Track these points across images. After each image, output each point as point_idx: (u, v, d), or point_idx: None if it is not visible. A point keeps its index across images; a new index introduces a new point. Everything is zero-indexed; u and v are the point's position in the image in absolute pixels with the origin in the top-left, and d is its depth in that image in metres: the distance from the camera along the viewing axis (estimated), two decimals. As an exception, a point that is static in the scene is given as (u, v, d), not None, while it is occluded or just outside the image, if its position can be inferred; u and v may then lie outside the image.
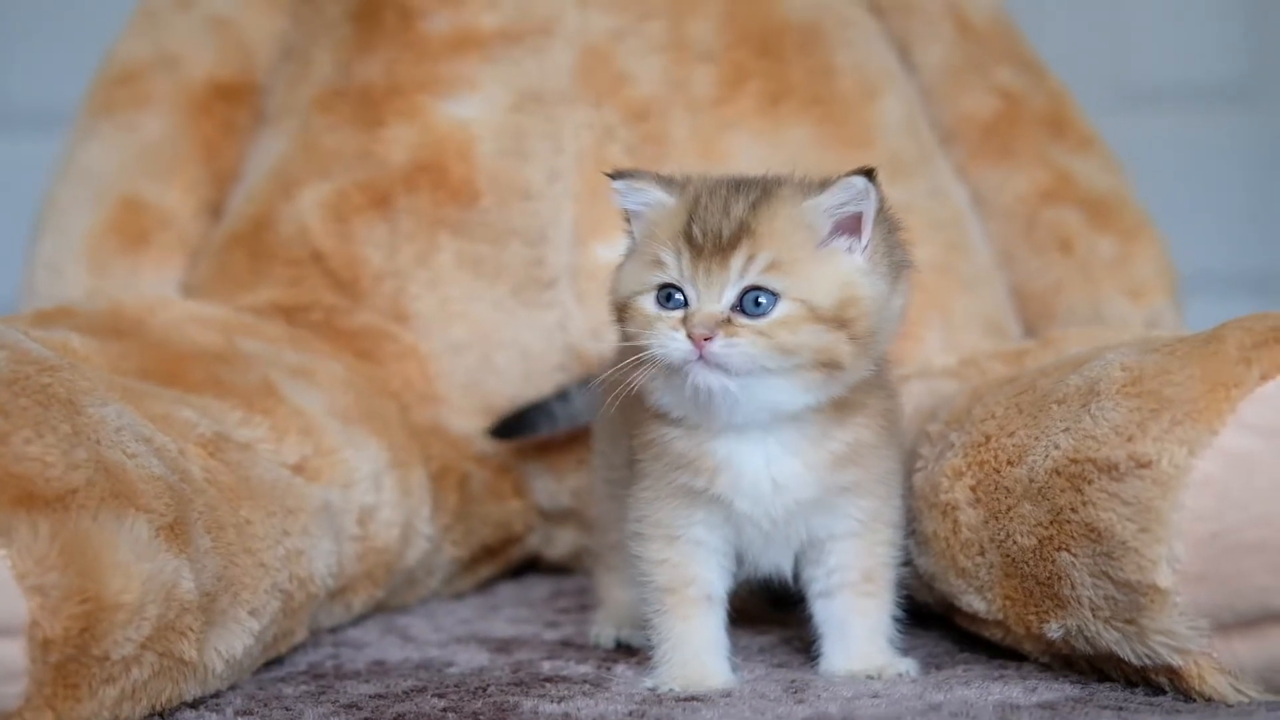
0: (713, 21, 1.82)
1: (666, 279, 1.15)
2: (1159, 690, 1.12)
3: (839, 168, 1.74)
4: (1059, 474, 1.14)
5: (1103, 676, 1.17)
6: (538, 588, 1.72)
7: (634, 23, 1.81)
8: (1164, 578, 1.05)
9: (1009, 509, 1.20)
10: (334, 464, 1.41)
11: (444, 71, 1.79)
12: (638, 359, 1.13)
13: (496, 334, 1.73)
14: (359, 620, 1.50)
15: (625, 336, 1.18)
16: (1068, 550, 1.13)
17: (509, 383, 1.72)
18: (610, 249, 1.71)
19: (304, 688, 1.22)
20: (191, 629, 1.09)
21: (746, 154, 1.76)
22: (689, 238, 1.14)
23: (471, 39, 1.80)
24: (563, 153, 1.75)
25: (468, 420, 1.72)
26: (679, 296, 1.14)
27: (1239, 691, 1.07)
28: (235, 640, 1.17)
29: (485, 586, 1.75)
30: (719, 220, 1.15)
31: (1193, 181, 2.86)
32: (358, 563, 1.43)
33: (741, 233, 1.14)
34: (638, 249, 1.19)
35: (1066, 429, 1.15)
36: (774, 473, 1.18)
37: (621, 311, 1.17)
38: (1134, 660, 1.10)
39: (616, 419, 1.31)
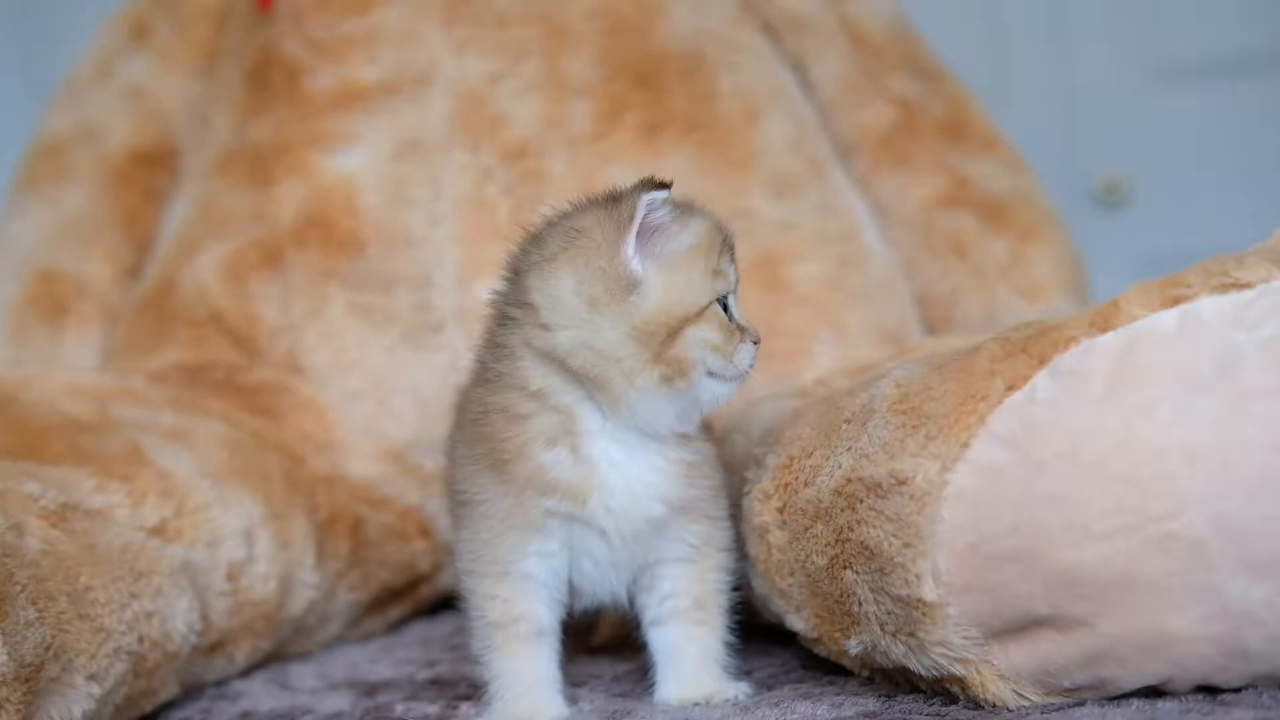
0: (589, 57, 1.86)
1: (729, 289, 1.20)
2: (955, 700, 1.13)
3: (718, 192, 1.80)
4: (839, 493, 1.16)
5: (914, 688, 1.19)
6: (446, 624, 1.76)
7: (509, 65, 1.85)
8: (929, 591, 1.07)
9: (806, 529, 1.22)
10: (198, 523, 1.45)
11: (328, 127, 1.84)
12: (674, 377, 1.16)
13: (391, 379, 1.77)
14: (250, 671, 1.54)
15: (667, 360, 1.16)
16: (851, 568, 1.15)
17: (406, 426, 1.77)
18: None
19: (151, 744, 1.27)
20: (10, 700, 1.12)
21: (626, 184, 1.78)
22: (730, 250, 1.21)
23: (354, 93, 1.85)
24: (442, 197, 1.79)
25: (368, 465, 1.77)
26: (728, 309, 1.20)
27: (1020, 696, 1.09)
28: (73, 705, 1.21)
29: (398, 625, 1.79)
30: (731, 236, 1.23)
31: (1230, 155, 2.87)
32: (231, 617, 1.47)
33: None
34: (678, 266, 1.18)
35: (849, 448, 1.17)
36: (636, 486, 1.21)
37: (672, 333, 1.16)
38: (922, 672, 1.12)
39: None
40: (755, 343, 1.20)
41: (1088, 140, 3.00)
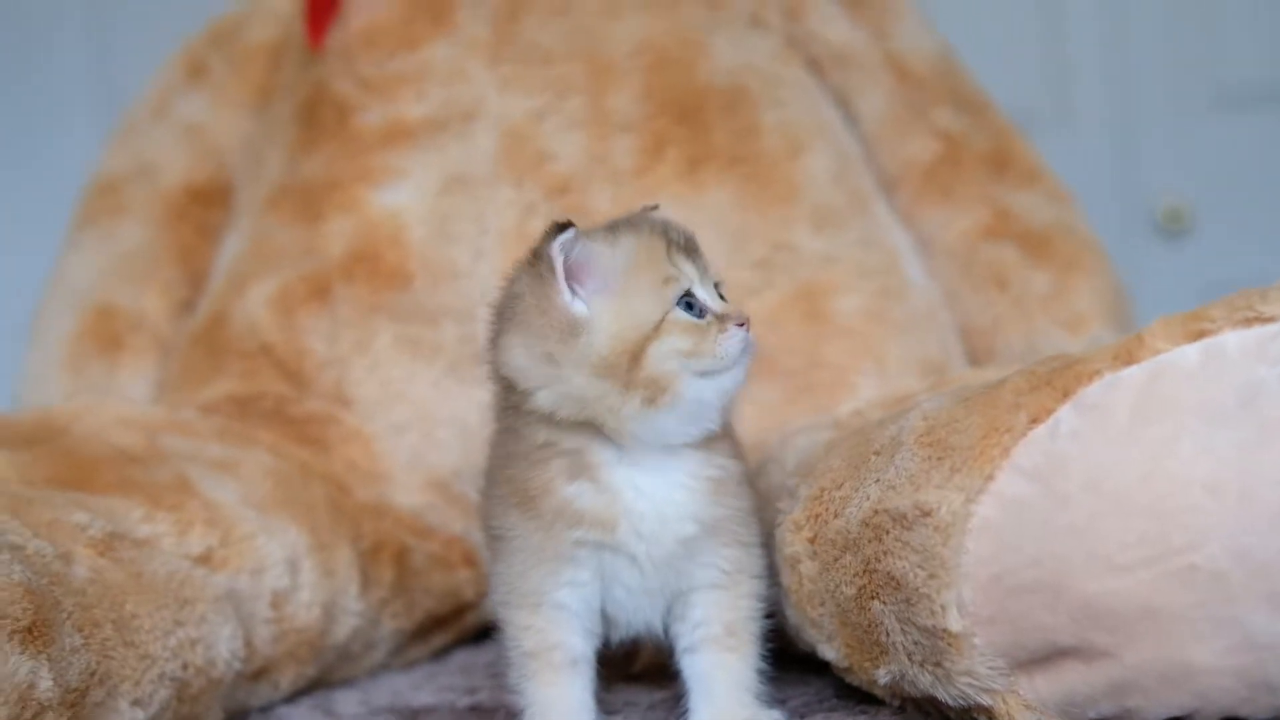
0: (632, 93, 1.88)
1: (686, 286, 1.19)
2: (983, 729, 1.14)
3: (760, 225, 1.82)
4: (867, 525, 1.17)
5: (944, 718, 1.20)
6: (489, 652, 1.77)
7: (554, 101, 1.87)
8: (954, 622, 1.08)
9: (835, 560, 1.23)
10: (243, 552, 1.48)
11: (377, 162, 1.87)
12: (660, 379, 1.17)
13: (436, 411, 1.80)
14: (295, 697, 1.57)
15: (640, 383, 1.16)
16: (878, 599, 1.16)
17: (450, 457, 1.79)
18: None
19: (193, 769, 1.29)
20: (55, 725, 1.15)
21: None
22: (680, 247, 1.21)
23: (402, 130, 1.88)
24: (487, 232, 1.82)
25: (413, 495, 1.79)
26: (695, 304, 1.19)
27: (1045, 726, 1.09)
28: (117, 730, 1.24)
29: (442, 653, 1.81)
30: (680, 231, 1.23)
31: None
32: (275, 644, 1.49)
33: (695, 241, 1.23)
34: (620, 291, 1.18)
35: (877, 480, 1.19)
36: (663, 507, 1.22)
37: (636, 356, 1.16)
38: (950, 701, 1.13)
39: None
40: (741, 325, 1.19)
41: (1148, 168, 3.00)
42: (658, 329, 1.17)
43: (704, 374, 1.18)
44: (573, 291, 1.17)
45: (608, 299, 1.17)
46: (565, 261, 1.17)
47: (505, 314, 1.22)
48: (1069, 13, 3.03)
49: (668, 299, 1.18)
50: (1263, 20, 2.95)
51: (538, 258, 1.19)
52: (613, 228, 1.23)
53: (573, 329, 1.16)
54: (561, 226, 1.17)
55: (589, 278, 1.18)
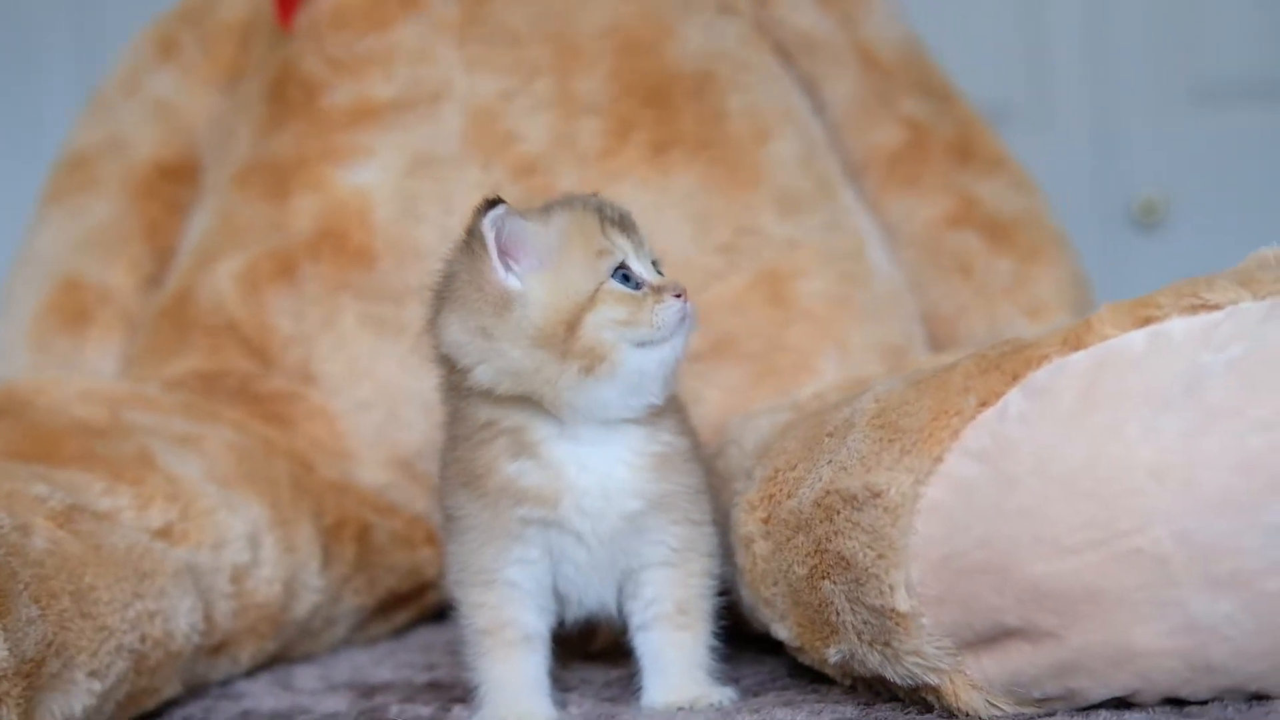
0: (600, 76, 1.89)
1: (621, 258, 1.21)
2: (931, 708, 1.15)
3: (726, 209, 1.83)
4: (818, 505, 1.19)
5: (893, 697, 1.21)
6: (450, 630, 1.76)
7: (521, 83, 1.88)
8: (902, 602, 1.09)
9: (788, 540, 1.24)
10: (203, 526, 1.48)
11: (344, 142, 1.88)
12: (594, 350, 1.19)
13: (401, 389, 1.80)
14: (255, 672, 1.57)
15: (577, 352, 1.18)
16: (829, 579, 1.18)
17: (414, 434, 1.80)
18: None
19: (151, 741, 1.30)
20: (10, 695, 1.15)
21: (634, 202, 1.78)
22: (614, 223, 1.23)
23: (369, 109, 1.89)
24: (453, 213, 1.82)
25: (377, 473, 1.80)
26: (631, 277, 1.21)
27: (992, 705, 1.10)
28: (74, 701, 1.24)
29: (404, 630, 1.82)
30: (615, 208, 1.25)
31: (1268, 176, 2.88)
32: (235, 619, 1.50)
33: (630, 218, 1.26)
34: (554, 265, 1.20)
35: (830, 461, 1.20)
36: (606, 483, 1.23)
37: (571, 326, 1.18)
38: (898, 680, 1.14)
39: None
40: (678, 296, 1.21)
41: (1125, 162, 3.01)
42: (592, 299, 1.19)
43: (642, 344, 1.20)
44: (506, 266, 1.19)
45: (542, 273, 1.20)
46: (497, 237, 1.19)
47: (442, 293, 1.25)
48: (1049, 7, 3.04)
49: (601, 270, 1.20)
50: (1240, 16, 2.97)
51: (471, 235, 1.22)
52: (547, 206, 1.25)
53: (506, 302, 1.18)
54: (491, 203, 1.20)
55: (523, 253, 1.20)
